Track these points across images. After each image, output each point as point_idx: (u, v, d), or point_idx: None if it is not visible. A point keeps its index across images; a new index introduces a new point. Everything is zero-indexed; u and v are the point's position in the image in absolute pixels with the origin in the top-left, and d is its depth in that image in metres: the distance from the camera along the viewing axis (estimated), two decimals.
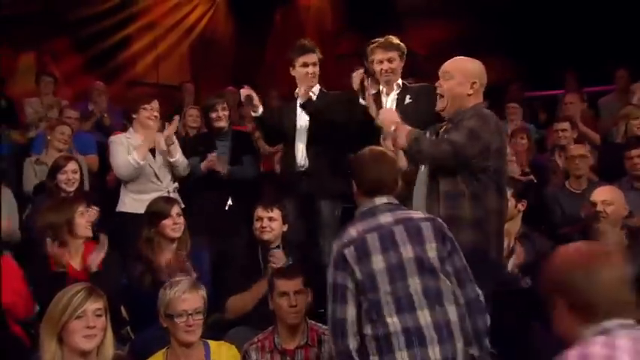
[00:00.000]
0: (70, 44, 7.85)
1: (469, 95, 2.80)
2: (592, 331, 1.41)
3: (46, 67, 6.86)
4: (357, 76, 3.82)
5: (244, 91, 4.01)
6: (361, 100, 3.82)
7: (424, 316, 2.27)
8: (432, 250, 2.32)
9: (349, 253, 2.37)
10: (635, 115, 4.92)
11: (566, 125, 5.07)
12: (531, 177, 4.80)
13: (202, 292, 2.70)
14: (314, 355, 2.79)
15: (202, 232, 3.82)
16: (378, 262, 2.35)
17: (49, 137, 4.63)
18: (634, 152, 4.27)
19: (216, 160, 4.15)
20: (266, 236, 3.43)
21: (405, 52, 3.87)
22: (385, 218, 2.43)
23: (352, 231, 2.44)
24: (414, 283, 2.31)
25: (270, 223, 3.43)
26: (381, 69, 3.79)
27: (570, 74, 6.75)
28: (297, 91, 4.04)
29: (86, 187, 4.46)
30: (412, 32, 7.64)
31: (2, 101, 5.98)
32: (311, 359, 2.79)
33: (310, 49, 4.00)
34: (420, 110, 3.58)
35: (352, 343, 2.33)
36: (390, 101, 3.86)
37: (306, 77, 3.95)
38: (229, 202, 4.21)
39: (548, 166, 5.04)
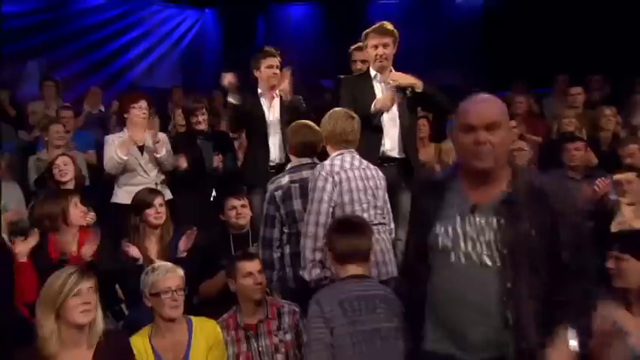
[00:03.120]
0: (73, 52, 7.83)
1: None
2: (336, 153, 2.91)
3: (50, 73, 6.80)
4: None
5: (229, 77, 3.87)
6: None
7: None
8: None
9: (277, 195, 3.07)
10: (565, 115, 5.04)
11: (512, 122, 5.17)
12: None
13: (181, 272, 2.73)
14: (275, 327, 2.80)
15: (190, 221, 3.83)
16: (297, 204, 3.03)
17: (45, 138, 4.63)
18: (570, 146, 4.35)
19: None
20: (242, 221, 3.49)
21: (398, 40, 3.63)
22: (307, 174, 3.03)
23: (282, 180, 3.10)
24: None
25: (244, 209, 3.51)
26: (376, 54, 3.58)
27: (520, 80, 6.83)
28: (259, 90, 4.00)
29: (87, 181, 4.48)
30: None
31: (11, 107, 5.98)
32: (272, 330, 2.79)
33: (273, 54, 3.96)
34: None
35: (275, 254, 3.09)
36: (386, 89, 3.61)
37: (270, 78, 3.92)
38: (214, 193, 4.23)
39: None
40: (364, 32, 3.64)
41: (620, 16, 6.82)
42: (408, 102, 3.62)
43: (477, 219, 1.81)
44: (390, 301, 2.35)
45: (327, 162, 2.97)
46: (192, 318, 2.75)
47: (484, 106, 1.82)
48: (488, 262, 1.78)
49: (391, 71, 3.64)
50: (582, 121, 5.18)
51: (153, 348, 2.61)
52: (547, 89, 6.69)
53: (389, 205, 3.12)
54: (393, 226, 3.13)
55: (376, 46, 3.57)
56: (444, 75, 7.70)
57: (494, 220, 1.79)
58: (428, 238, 1.88)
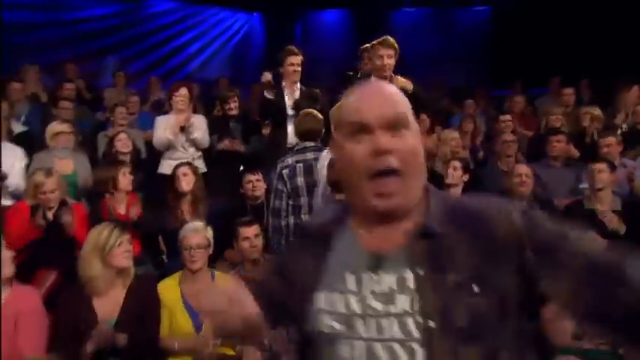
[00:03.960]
0: (142, 49, 8.01)
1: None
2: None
3: (122, 66, 6.99)
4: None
5: (267, 76, 3.86)
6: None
7: None
8: None
9: (285, 173, 3.14)
10: (552, 112, 4.88)
11: (508, 117, 5.06)
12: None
13: (207, 233, 2.76)
14: None
15: (221, 191, 3.91)
16: (300, 181, 3.09)
17: (111, 118, 4.77)
18: (553, 138, 4.26)
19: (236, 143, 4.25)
20: (257, 193, 3.53)
21: (398, 52, 3.54)
22: (310, 155, 3.09)
23: (289, 160, 3.18)
24: (320, 197, 2.94)
25: (258, 183, 3.54)
26: (382, 63, 3.48)
27: (519, 81, 6.61)
28: (283, 83, 3.95)
29: (143, 155, 4.62)
30: None
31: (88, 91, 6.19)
32: None
33: (295, 52, 3.91)
34: None
35: (282, 222, 3.13)
36: None
37: (290, 74, 3.89)
38: (241, 168, 4.29)
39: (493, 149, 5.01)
40: (371, 44, 3.57)
41: (608, 26, 6.57)
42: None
43: (383, 279, 0.91)
44: None
45: None
46: (216, 272, 2.81)
47: (383, 96, 0.96)
48: (403, 356, 0.87)
49: (392, 77, 3.57)
50: (571, 119, 5.03)
51: (181, 291, 2.70)
52: (542, 90, 6.47)
53: None
54: None
55: (382, 56, 3.49)
56: (453, 74, 7.55)
57: (411, 276, 0.89)
58: (304, 320, 0.96)
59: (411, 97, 3.30)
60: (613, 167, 3.63)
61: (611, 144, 4.04)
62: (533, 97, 6.26)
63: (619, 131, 4.55)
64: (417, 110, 3.42)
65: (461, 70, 7.83)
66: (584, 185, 3.63)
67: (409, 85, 3.50)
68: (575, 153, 4.41)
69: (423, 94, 3.57)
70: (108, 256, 2.40)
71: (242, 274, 2.89)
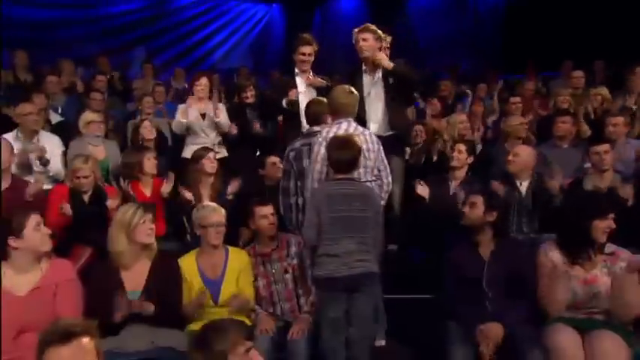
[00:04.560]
0: (169, 41, 8.15)
1: None
2: (335, 122, 2.89)
3: (150, 57, 7.14)
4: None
5: (294, 94, 3.87)
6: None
7: None
8: None
9: (291, 155, 3.24)
10: (560, 94, 4.80)
11: (517, 99, 5.02)
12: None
13: (223, 211, 2.88)
14: (285, 254, 2.94)
15: (238, 173, 4.00)
16: (306, 163, 3.13)
17: (139, 107, 4.92)
18: (558, 119, 4.21)
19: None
20: (279, 173, 3.58)
21: (381, 37, 3.65)
22: (316, 139, 3.03)
23: (297, 143, 3.27)
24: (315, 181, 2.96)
25: (280, 165, 3.62)
26: (359, 46, 3.65)
27: (532, 65, 6.50)
28: (296, 70, 3.94)
29: (169, 142, 4.76)
30: None
31: (120, 83, 6.36)
32: (283, 257, 2.94)
33: (308, 42, 3.90)
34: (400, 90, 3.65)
35: (292, 200, 3.20)
36: (375, 78, 3.67)
37: (300, 63, 3.90)
38: (258, 152, 4.39)
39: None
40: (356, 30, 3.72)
41: (621, 10, 6.45)
42: (393, 87, 3.64)
43: None
44: (366, 197, 2.66)
45: (325, 129, 3.02)
46: (229, 247, 2.91)
47: None
48: None
49: (367, 58, 3.65)
50: (582, 100, 4.94)
51: (198, 265, 2.82)
52: (555, 73, 6.37)
53: (386, 162, 3.12)
54: (389, 179, 3.14)
55: (358, 41, 3.65)
56: (466, 58, 7.45)
57: None
58: None
59: (391, 74, 3.35)
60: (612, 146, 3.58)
61: (617, 123, 3.97)
62: (547, 80, 6.17)
63: (629, 113, 4.45)
64: (400, 87, 3.49)
65: (474, 54, 7.73)
66: (588, 165, 3.59)
67: (385, 62, 3.56)
68: (587, 131, 4.36)
69: (401, 68, 3.63)
70: (132, 232, 2.53)
71: (258, 249, 2.99)
